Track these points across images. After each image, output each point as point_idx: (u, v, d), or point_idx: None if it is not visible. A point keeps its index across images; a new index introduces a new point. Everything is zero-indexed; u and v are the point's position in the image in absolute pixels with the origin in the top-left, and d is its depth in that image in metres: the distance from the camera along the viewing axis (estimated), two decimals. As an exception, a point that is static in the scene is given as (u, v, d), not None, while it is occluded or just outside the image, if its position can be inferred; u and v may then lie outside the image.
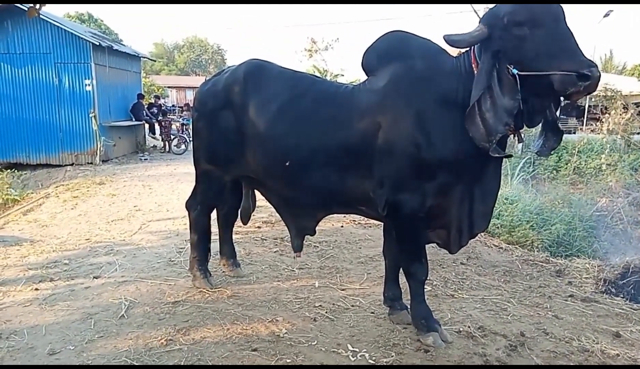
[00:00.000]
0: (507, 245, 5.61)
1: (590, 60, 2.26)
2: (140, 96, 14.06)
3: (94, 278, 3.94)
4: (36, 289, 3.73)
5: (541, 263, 4.78)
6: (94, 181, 9.34)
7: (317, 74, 16.24)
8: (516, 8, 2.36)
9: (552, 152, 2.63)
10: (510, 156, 2.89)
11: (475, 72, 2.54)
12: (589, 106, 18.84)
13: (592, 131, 14.69)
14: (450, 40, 2.48)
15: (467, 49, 2.66)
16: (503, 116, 2.42)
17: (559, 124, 2.58)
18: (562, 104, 2.58)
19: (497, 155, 2.51)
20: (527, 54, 2.33)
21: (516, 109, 2.41)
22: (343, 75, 16.79)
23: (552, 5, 2.36)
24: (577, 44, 2.32)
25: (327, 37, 22.36)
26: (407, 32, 2.83)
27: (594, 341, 3.00)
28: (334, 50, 17.55)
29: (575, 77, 2.21)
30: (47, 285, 3.81)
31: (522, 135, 2.73)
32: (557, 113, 2.59)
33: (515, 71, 2.35)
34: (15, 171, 10.86)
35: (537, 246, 6.06)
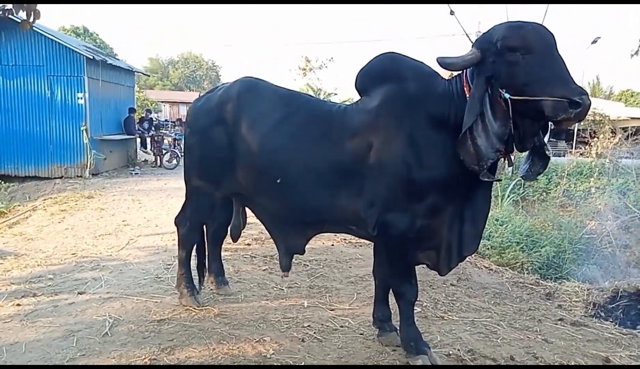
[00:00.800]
0: (497, 266, 5.60)
1: (581, 87, 2.30)
2: (132, 110, 14.03)
3: (78, 293, 3.86)
4: (18, 304, 3.64)
5: (531, 286, 4.77)
6: (83, 194, 9.24)
7: (311, 92, 16.39)
8: (509, 33, 2.39)
9: (537, 178, 2.65)
10: (500, 180, 2.91)
11: (467, 95, 2.56)
12: (578, 130, 19.12)
13: (581, 154, 14.87)
14: (443, 62, 2.50)
15: (460, 72, 2.69)
16: (494, 141, 2.44)
17: (546, 150, 2.60)
18: (551, 129, 2.60)
19: (488, 179, 2.52)
20: (520, 79, 2.35)
21: (507, 135, 2.44)
22: (336, 94, 16.92)
23: (544, 31, 2.40)
24: (569, 71, 2.35)
25: (321, 56, 22.60)
26: (400, 54, 2.86)
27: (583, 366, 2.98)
28: (328, 69, 17.76)
29: (566, 104, 2.23)
30: (29, 300, 3.72)
31: (512, 158, 2.75)
32: (545, 138, 2.62)
33: (507, 96, 2.37)
34: (3, 182, 10.72)
35: (527, 268, 6.06)
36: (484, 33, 2.57)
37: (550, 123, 2.49)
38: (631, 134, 14.54)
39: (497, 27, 2.48)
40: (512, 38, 2.37)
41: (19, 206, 8.99)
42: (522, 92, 2.34)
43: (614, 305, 4.29)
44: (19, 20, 4.82)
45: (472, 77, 2.57)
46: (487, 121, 2.44)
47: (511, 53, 2.36)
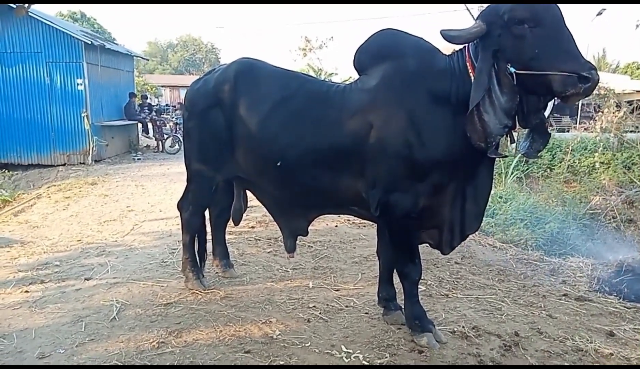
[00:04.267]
0: (502, 244, 5.61)
1: (590, 62, 2.26)
2: (132, 95, 13.93)
3: (85, 279, 3.90)
4: (26, 291, 3.68)
5: (535, 262, 4.78)
6: (86, 181, 9.26)
7: (312, 72, 16.24)
8: (517, 6, 2.33)
9: (538, 154, 2.62)
10: (506, 156, 2.89)
11: (470, 71, 2.52)
12: (582, 104, 18.93)
13: (585, 129, 14.76)
14: (447, 35, 2.44)
15: (461, 47, 2.64)
16: (502, 117, 2.40)
17: (547, 126, 2.57)
18: (555, 105, 2.56)
19: (495, 156, 2.50)
20: (527, 53, 2.31)
21: (514, 110, 2.40)
22: (337, 74, 16.76)
23: (552, 5, 2.34)
24: (577, 46, 2.30)
25: (321, 36, 22.35)
26: (398, 30, 2.81)
27: (587, 340, 3.00)
28: (328, 48, 17.57)
29: (576, 79, 2.20)
30: (37, 287, 3.76)
31: (515, 135, 2.72)
32: (547, 113, 2.58)
33: (513, 70, 2.33)
34: (7, 171, 10.75)
35: (531, 245, 6.07)
36: (489, 5, 2.50)
37: (555, 99, 2.45)
38: (636, 107, 14.37)
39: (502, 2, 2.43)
40: (520, 10, 2.32)
41: (23, 194, 9.03)
42: (529, 67, 2.29)
43: (618, 279, 4.30)
44: (14, 7, 4.78)
45: (476, 52, 2.52)
46: (494, 96, 2.40)
47: (519, 25, 2.31)
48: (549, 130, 2.58)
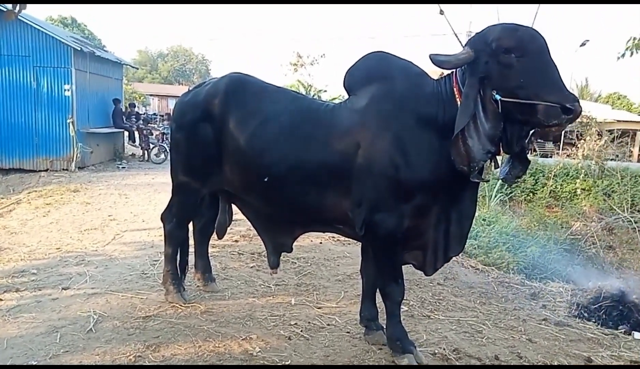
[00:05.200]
0: (484, 266, 5.65)
1: (573, 94, 2.32)
2: (117, 101, 13.76)
3: (62, 289, 3.81)
4: (0, 299, 3.58)
5: (516, 285, 4.83)
6: (69, 188, 9.12)
7: (302, 88, 16.34)
8: (505, 34, 2.39)
9: (517, 180, 2.67)
10: (488, 180, 2.93)
11: (457, 96, 2.57)
12: (565, 131, 19.35)
13: (567, 155, 15.07)
14: (436, 60, 2.48)
15: (449, 72, 2.69)
16: (486, 143, 2.45)
17: (527, 154, 2.62)
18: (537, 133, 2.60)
19: (477, 180, 2.54)
20: (512, 82, 2.36)
21: (498, 137, 2.45)
22: (326, 91, 16.89)
23: (538, 35, 2.40)
24: (561, 77, 2.37)
25: (313, 53, 22.53)
26: (388, 53, 2.86)
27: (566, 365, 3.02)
28: (319, 65, 17.72)
29: (559, 110, 2.26)
30: (12, 296, 3.66)
31: (498, 160, 2.76)
32: (527, 142, 2.63)
33: (498, 97, 2.38)
34: (-14, 174, 10.55)
35: (512, 268, 6.13)
36: (477, 33, 2.56)
37: (537, 128, 2.50)
38: (617, 136, 14.76)
39: (492, 28, 2.48)
40: (507, 39, 2.37)
41: (2, 198, 8.85)
42: (514, 95, 2.34)
43: (596, 305, 4.35)
44: (4, 10, 4.74)
45: (463, 77, 2.57)
46: (478, 122, 2.45)
47: (506, 54, 2.36)
48: (528, 157, 2.63)
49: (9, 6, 3.47)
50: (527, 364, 3.01)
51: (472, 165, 2.46)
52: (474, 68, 2.47)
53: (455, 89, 2.60)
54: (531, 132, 2.52)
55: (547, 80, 2.34)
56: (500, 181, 10.45)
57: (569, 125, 2.38)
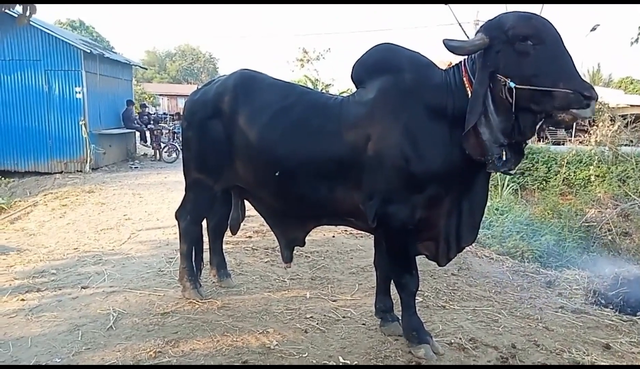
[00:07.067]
0: (498, 256, 5.64)
1: (587, 82, 2.32)
2: (130, 102, 13.93)
3: (82, 288, 3.88)
4: (22, 299, 3.66)
5: (532, 274, 4.80)
6: (83, 189, 9.25)
7: (309, 83, 16.33)
8: (522, 22, 2.37)
9: (509, 172, 2.67)
10: (510, 173, 2.92)
11: (467, 86, 2.55)
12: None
13: (580, 142, 14.87)
14: (450, 45, 2.46)
15: (458, 62, 2.68)
16: (499, 137, 2.46)
17: (524, 146, 2.60)
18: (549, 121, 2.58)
19: (494, 171, 2.55)
20: (529, 69, 2.34)
21: (510, 128, 2.45)
22: (333, 85, 16.86)
23: (552, 25, 2.39)
24: (575, 66, 2.37)
25: (318, 48, 22.52)
26: (395, 45, 2.84)
27: (584, 353, 3.00)
28: (325, 60, 17.68)
29: (579, 96, 2.25)
30: (33, 295, 3.74)
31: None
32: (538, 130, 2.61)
33: (512, 85, 2.36)
34: (3, 178, 10.72)
35: (527, 257, 6.10)
36: (489, 20, 2.53)
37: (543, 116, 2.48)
38: (630, 121, 14.52)
39: (506, 15, 2.45)
40: (524, 27, 2.36)
41: (19, 201, 9.00)
42: (531, 83, 2.33)
43: (614, 292, 4.32)
44: (16, 15, 4.80)
45: (473, 67, 2.55)
46: (490, 116, 2.45)
47: (522, 42, 2.35)
48: (524, 150, 2.62)
49: (20, 11, 3.53)
50: (544, 351, 3.00)
51: (487, 157, 2.47)
52: (485, 58, 2.44)
53: (465, 79, 2.59)
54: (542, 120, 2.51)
55: (564, 69, 2.33)
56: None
57: (591, 115, 2.36)
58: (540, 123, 2.51)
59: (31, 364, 2.72)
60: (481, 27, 2.56)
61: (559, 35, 2.38)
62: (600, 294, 4.33)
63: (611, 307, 4.05)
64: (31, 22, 10.36)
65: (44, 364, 2.72)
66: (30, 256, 4.97)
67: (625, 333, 3.40)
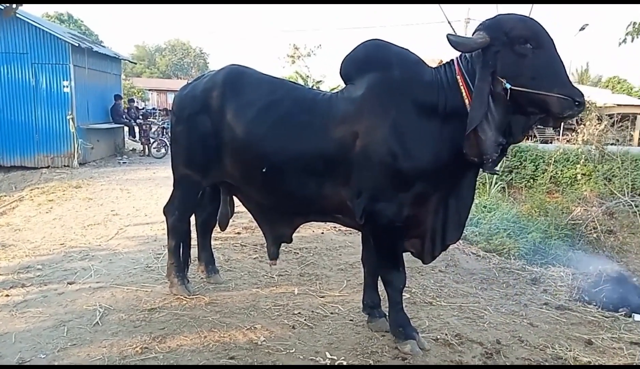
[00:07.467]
0: (485, 253, 5.69)
1: (577, 89, 2.38)
2: (118, 97, 13.77)
3: (68, 283, 3.85)
4: (7, 295, 3.62)
5: (517, 271, 4.86)
6: (70, 184, 9.15)
7: (300, 80, 16.31)
8: (522, 25, 2.41)
9: (497, 171, 2.72)
10: (498, 173, 2.98)
11: (461, 83, 2.55)
12: (565, 117, 19.29)
13: (567, 141, 15.04)
14: (454, 41, 2.45)
15: (449, 61, 2.69)
16: (498, 136, 2.47)
17: (506, 148, 2.63)
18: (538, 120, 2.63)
19: (491, 172, 2.58)
20: (527, 72, 2.38)
21: (505, 127, 2.48)
22: (324, 81, 16.85)
23: (547, 30, 2.43)
24: (566, 72, 2.43)
25: (309, 44, 22.47)
26: (385, 41, 2.85)
27: (567, 348, 3.05)
28: (316, 56, 17.66)
29: (572, 102, 2.32)
30: (18, 291, 3.70)
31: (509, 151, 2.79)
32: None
33: (509, 86, 2.38)
34: (-12, 172, 10.58)
35: (513, 254, 6.16)
36: (489, 19, 2.53)
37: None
38: (617, 121, 14.72)
39: (506, 17, 2.48)
40: (525, 30, 2.39)
41: (5, 196, 8.89)
42: (527, 86, 2.36)
43: (597, 289, 4.40)
44: (2, 7, 4.74)
45: (467, 66, 2.56)
46: (489, 115, 2.46)
47: (522, 45, 2.38)
48: (507, 150, 2.66)
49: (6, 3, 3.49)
50: (528, 346, 3.05)
51: (485, 157, 2.48)
52: (485, 58, 2.45)
53: (458, 77, 2.59)
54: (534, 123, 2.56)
55: (559, 74, 2.39)
56: (500, 167, 10.51)
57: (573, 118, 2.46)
58: (533, 125, 2.56)
59: (15, 360, 2.69)
60: (480, 26, 2.56)
61: (553, 41, 2.42)
62: (584, 291, 4.41)
63: (594, 304, 4.13)
64: (18, 15, 10.22)
65: (27, 360, 2.69)
66: (15, 251, 4.92)
67: (607, 328, 3.46)
